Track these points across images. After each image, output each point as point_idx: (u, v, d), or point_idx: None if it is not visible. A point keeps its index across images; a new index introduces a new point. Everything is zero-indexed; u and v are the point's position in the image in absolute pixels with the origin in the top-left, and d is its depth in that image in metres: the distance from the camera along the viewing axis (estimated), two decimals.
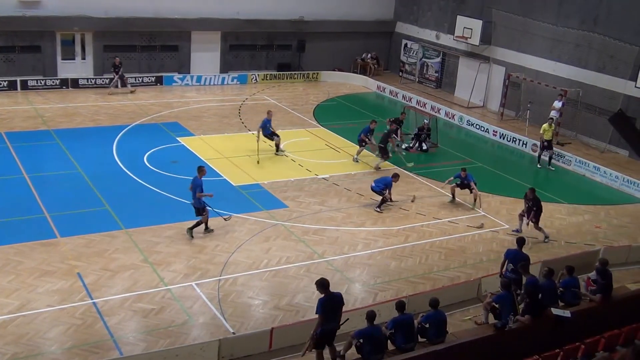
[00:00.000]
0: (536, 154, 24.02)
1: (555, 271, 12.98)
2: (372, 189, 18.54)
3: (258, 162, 21.06)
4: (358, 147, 22.28)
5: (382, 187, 18.34)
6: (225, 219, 16.48)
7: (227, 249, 15.42)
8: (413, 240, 16.73)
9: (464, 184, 19.06)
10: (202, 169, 16.03)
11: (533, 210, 17.05)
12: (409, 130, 25.47)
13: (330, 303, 10.79)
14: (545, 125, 23.12)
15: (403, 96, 31.12)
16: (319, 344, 10.93)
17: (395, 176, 18.73)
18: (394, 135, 22.39)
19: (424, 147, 24.09)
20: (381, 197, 18.34)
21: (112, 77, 28.49)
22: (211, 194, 15.84)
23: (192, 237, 15.73)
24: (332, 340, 10.98)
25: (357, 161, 22.16)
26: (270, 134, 21.98)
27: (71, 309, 12.61)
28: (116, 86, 28.54)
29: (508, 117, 29.21)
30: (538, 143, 23.79)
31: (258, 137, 21.50)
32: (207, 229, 16.06)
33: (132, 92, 28.49)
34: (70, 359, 11.29)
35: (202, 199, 15.72)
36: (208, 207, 15.94)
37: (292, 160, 21.88)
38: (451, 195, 19.43)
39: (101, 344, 11.68)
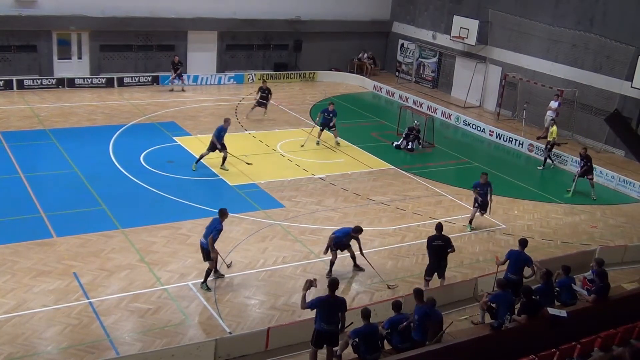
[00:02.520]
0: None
1: (552, 272, 13.01)
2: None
3: (194, 169, 20.10)
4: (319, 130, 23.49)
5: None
6: (228, 266, 14.30)
7: (224, 249, 15.36)
8: (409, 240, 16.72)
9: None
10: (224, 212, 13.78)
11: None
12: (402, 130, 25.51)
13: (327, 304, 10.80)
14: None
15: (399, 96, 31.12)
16: (316, 343, 10.94)
17: (357, 230, 14.52)
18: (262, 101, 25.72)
19: (410, 147, 24.08)
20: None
21: (171, 74, 29.19)
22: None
23: (209, 289, 13.63)
24: (333, 342, 10.94)
25: (318, 144, 23.55)
26: (222, 146, 20.15)
27: (67, 309, 12.58)
28: (175, 83, 29.44)
29: (504, 117, 29.26)
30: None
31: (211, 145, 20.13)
32: (217, 273, 14.05)
33: (183, 90, 29.50)
34: (66, 359, 11.27)
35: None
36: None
37: (288, 160, 21.87)
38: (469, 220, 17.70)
39: (97, 344, 11.66)
